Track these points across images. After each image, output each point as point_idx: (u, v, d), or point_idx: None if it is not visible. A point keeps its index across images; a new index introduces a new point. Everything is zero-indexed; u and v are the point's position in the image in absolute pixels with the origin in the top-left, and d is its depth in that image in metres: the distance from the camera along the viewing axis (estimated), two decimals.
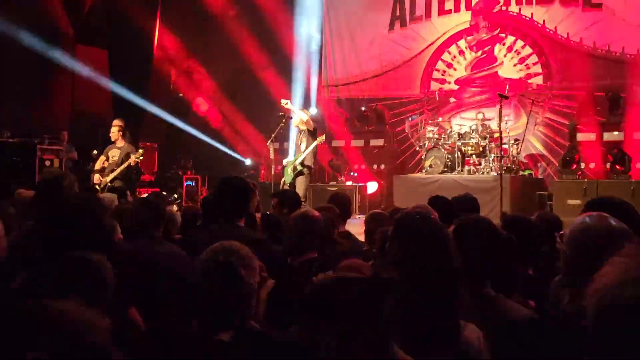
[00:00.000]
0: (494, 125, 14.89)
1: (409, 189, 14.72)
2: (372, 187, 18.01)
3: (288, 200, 6.98)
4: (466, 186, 13.43)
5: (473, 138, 15.11)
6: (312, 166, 12.97)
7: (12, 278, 3.44)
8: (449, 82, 19.15)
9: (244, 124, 20.45)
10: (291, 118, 13.19)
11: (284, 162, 13.35)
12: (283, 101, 12.93)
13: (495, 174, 13.89)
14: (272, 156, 14.06)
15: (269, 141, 13.76)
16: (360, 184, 17.38)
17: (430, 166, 15.25)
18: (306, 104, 19.05)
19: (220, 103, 21.00)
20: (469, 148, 15.13)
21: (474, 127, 15.35)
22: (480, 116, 16.16)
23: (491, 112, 15.97)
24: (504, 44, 18.56)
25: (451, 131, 15.77)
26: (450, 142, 15.43)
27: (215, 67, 20.72)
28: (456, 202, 6.64)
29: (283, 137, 17.14)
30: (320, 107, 20.16)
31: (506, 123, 14.59)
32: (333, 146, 19.61)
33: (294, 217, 4.88)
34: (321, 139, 12.87)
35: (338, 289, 2.35)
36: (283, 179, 13.11)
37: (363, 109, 19.78)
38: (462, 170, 15.08)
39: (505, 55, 18.49)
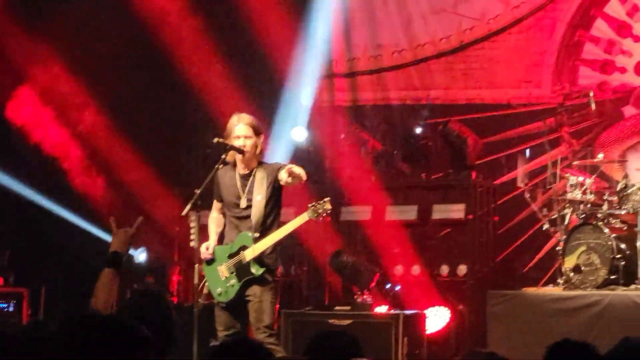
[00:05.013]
0: None
1: (523, 320, 8.76)
2: (436, 318, 9.49)
3: None
4: None
5: None
6: (277, 266, 7.16)
7: None
8: (624, 71, 10.69)
9: (134, 168, 10.86)
10: (241, 152, 6.97)
11: (206, 248, 7.05)
12: (239, 118, 7.10)
13: None
14: (194, 238, 7.14)
15: (190, 205, 6.90)
16: (409, 312, 8.83)
17: (576, 269, 8.93)
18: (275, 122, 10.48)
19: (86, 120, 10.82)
20: None
21: None
22: None
23: None
24: None
25: (627, 184, 9.10)
26: (625, 211, 8.98)
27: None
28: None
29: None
30: (314, 126, 11.04)
31: None
32: (345, 220, 10.24)
33: None
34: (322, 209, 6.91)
35: None
36: (203, 293, 7.22)
37: (418, 130, 10.75)
38: None
39: None
